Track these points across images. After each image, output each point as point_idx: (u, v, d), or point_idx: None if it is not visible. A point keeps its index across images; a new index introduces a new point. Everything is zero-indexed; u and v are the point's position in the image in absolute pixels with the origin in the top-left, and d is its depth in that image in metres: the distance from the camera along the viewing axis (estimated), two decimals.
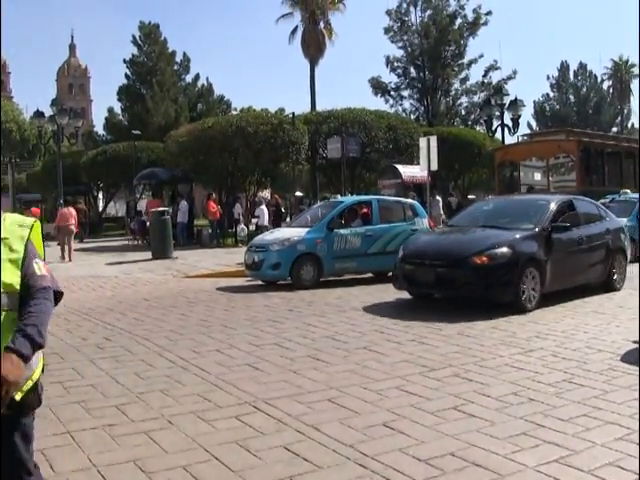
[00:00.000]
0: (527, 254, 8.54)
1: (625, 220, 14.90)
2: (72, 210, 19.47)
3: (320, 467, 3.60)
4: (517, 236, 8.73)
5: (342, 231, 11.82)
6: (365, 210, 12.76)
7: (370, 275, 12.43)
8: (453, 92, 47.20)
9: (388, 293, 9.91)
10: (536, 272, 8.47)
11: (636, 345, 6.16)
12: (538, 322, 7.62)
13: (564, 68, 65.52)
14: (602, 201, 16.88)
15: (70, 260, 17.64)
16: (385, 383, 5.20)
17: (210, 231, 23.76)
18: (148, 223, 20.36)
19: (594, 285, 9.85)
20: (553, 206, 9.41)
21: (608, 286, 9.98)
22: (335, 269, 11.70)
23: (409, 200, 14.44)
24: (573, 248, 9.33)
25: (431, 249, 9.10)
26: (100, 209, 40.08)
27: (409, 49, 46.17)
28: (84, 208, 29.87)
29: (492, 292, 8.33)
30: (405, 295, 9.51)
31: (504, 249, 8.38)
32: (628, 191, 16.93)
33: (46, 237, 27.72)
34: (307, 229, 11.84)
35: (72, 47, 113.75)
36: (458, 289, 8.54)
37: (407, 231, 11.96)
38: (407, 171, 26.28)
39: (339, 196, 17.99)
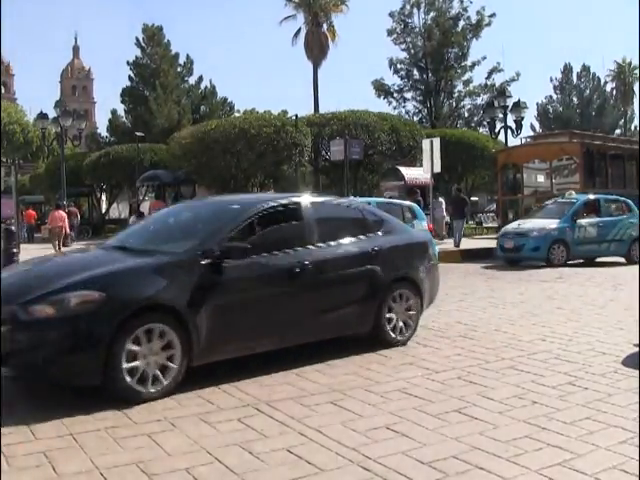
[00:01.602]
0: (140, 300, 4.83)
1: (556, 221, 14.81)
2: (62, 213, 19.78)
3: (323, 470, 3.60)
4: (137, 265, 5.18)
5: None
6: None
7: None
8: (456, 94, 47.23)
9: None
10: (172, 332, 4.87)
11: (637, 349, 6.15)
12: (542, 325, 7.60)
13: (567, 70, 65.37)
14: (546, 202, 16.83)
15: None
16: (388, 385, 5.20)
17: None
18: None
19: (350, 336, 6.46)
20: (249, 213, 5.76)
21: (377, 339, 6.37)
22: None
23: (407, 202, 14.45)
24: (278, 284, 5.66)
25: (13, 284, 5.12)
26: (103, 211, 40.19)
27: (412, 51, 46.21)
28: (75, 211, 30.12)
29: (61, 371, 4.69)
30: None
31: (89, 292, 4.70)
32: (573, 192, 16.77)
33: (42, 240, 27.92)
34: None
35: (76, 49, 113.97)
36: (13, 361, 4.64)
37: None
38: (410, 173, 26.32)
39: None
